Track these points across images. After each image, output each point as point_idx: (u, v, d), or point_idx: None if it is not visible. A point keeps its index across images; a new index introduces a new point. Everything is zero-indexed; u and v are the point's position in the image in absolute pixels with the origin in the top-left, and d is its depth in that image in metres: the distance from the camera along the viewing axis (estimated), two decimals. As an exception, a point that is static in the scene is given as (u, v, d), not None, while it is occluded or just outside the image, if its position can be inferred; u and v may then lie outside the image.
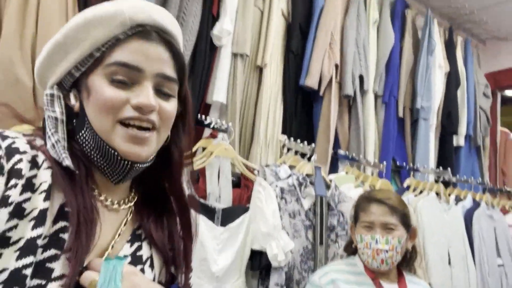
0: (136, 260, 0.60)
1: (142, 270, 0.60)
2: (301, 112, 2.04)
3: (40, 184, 0.51)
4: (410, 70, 2.49)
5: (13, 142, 0.51)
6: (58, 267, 0.50)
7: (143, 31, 0.56)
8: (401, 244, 1.19)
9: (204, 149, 1.41)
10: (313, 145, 1.69)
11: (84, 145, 0.56)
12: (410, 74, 2.50)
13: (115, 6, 0.56)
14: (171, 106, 0.58)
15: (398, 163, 2.40)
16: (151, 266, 0.62)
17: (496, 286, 2.09)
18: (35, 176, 0.51)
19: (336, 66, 2.07)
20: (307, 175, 1.61)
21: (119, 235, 0.59)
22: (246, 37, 1.76)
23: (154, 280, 0.62)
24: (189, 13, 1.60)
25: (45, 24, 1.35)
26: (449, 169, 2.30)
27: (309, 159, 1.68)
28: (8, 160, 0.49)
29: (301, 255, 1.48)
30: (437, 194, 2.13)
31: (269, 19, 1.87)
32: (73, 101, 0.57)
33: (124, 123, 0.54)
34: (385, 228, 1.19)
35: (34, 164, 0.52)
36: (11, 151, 0.50)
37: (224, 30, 1.68)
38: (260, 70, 1.86)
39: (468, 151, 2.81)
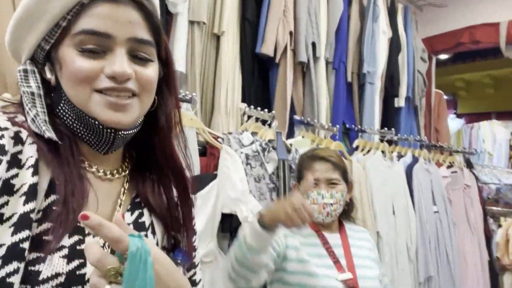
0: (139, 227, 0.60)
1: (146, 236, 0.60)
2: (257, 80, 2.09)
3: (27, 159, 0.51)
4: (357, 37, 2.62)
5: None
6: (53, 240, 0.49)
7: None
8: (343, 197, 1.28)
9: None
10: (273, 112, 1.76)
11: (65, 118, 0.55)
12: (357, 40, 2.62)
13: None
14: (149, 71, 0.56)
15: (347, 126, 2.56)
16: (153, 232, 0.62)
17: (432, 230, 2.38)
18: (20, 152, 0.51)
19: (291, 33, 2.12)
20: (269, 141, 1.69)
21: (120, 205, 0.59)
22: (202, 4, 1.74)
23: (157, 245, 0.61)
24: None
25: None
26: (393, 129, 2.50)
27: (269, 125, 1.75)
28: None
29: (266, 215, 1.58)
30: (383, 152, 2.33)
31: (223, -12, 1.85)
32: (48, 74, 0.56)
33: (100, 91, 0.53)
34: (329, 183, 1.26)
35: (17, 140, 0.51)
36: None
37: (179, -3, 1.65)
38: (217, 38, 1.86)
39: (407, 111, 3.06)
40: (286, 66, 2.08)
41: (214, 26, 1.83)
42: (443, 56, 3.84)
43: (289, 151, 1.73)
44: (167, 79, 0.61)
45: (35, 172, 0.50)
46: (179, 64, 1.68)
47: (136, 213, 0.61)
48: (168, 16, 1.69)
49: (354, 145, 2.41)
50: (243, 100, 1.92)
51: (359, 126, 2.53)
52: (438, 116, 3.59)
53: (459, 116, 7.52)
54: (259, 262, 1.08)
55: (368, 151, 2.30)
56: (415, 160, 2.55)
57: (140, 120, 0.59)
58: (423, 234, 2.32)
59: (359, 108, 2.64)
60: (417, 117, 3.16)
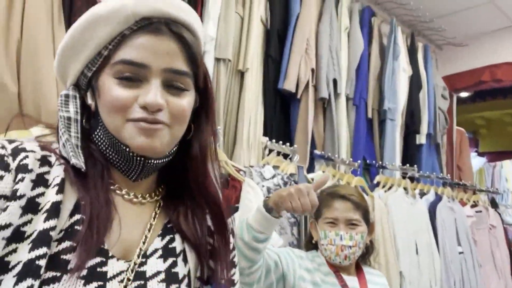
0: (168, 252, 0.59)
1: (175, 263, 0.58)
2: (279, 114, 2.13)
3: (53, 179, 0.52)
4: (377, 74, 2.66)
5: (21, 144, 0.52)
6: (73, 260, 0.49)
7: (149, 24, 0.54)
8: (363, 239, 1.21)
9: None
10: (295, 146, 1.78)
11: (99, 143, 0.57)
12: (377, 78, 2.66)
13: (120, 1, 0.55)
14: (183, 101, 0.56)
15: (368, 161, 2.55)
16: (185, 260, 0.60)
17: (457, 271, 2.29)
18: (47, 172, 0.52)
19: (312, 70, 2.17)
20: (291, 175, 1.70)
21: (149, 229, 0.58)
22: (228, 42, 1.82)
23: (189, 275, 0.60)
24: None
25: (30, 30, 1.34)
26: (415, 166, 2.48)
27: (290, 159, 1.77)
28: (14, 159, 0.50)
29: (287, 250, 1.56)
30: (405, 189, 2.30)
31: (249, 25, 1.94)
32: (89, 100, 0.58)
33: (132, 120, 0.54)
34: (349, 224, 1.19)
35: (44, 162, 0.53)
36: (17, 151, 0.51)
37: (207, 36, 1.73)
38: (241, 74, 1.92)
39: (429, 148, 3.03)
40: (307, 101, 2.12)
41: (239, 63, 1.90)
42: (464, 94, 3.83)
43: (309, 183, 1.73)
44: (205, 108, 0.62)
45: (60, 191, 0.51)
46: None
47: (167, 238, 0.60)
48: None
49: (375, 181, 2.39)
50: (265, 134, 1.95)
51: (380, 162, 2.52)
52: (460, 154, 3.54)
53: (480, 154, 7.36)
54: (256, 246, 1.01)
55: (390, 187, 2.28)
56: (438, 198, 2.50)
57: (173, 149, 0.59)
58: (448, 275, 2.24)
59: (380, 144, 2.64)
60: (439, 154, 3.12)
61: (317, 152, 2.24)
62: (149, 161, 0.56)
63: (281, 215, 1.03)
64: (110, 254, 0.53)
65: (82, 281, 0.49)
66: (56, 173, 0.52)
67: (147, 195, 0.61)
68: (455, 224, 2.48)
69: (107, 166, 0.57)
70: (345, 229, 1.18)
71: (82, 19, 0.56)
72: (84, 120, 0.58)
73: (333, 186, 1.36)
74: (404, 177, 2.60)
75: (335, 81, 2.30)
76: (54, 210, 0.50)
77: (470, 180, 3.49)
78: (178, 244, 0.61)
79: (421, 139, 2.92)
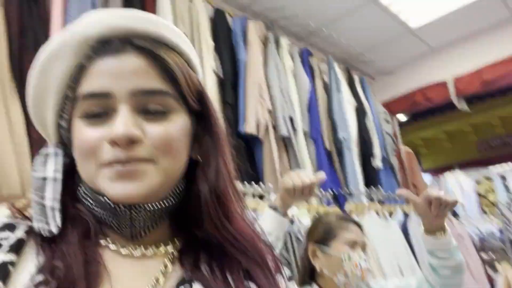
0: None
1: None
2: (244, 158, 2.15)
3: (8, 242, 0.45)
4: (326, 108, 2.82)
5: None
6: None
7: (107, 46, 0.46)
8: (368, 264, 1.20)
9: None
10: (269, 184, 1.79)
11: (85, 200, 0.49)
12: (327, 111, 2.82)
13: (69, 29, 0.47)
14: (168, 126, 0.46)
15: (335, 191, 2.63)
16: None
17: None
18: (6, 238, 0.45)
19: (269, 111, 2.25)
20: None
21: (155, 285, 0.47)
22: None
23: None
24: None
25: None
26: (380, 187, 2.59)
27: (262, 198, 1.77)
28: None
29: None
30: (376, 212, 2.38)
31: (204, 78, 1.99)
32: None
33: (106, 163, 0.45)
34: (363, 248, 1.19)
35: (5, 227, 0.46)
36: None
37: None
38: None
39: (385, 170, 3.20)
40: (270, 142, 2.17)
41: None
42: (402, 118, 4.18)
43: (292, 222, 1.73)
44: (208, 134, 0.51)
45: (12, 251, 0.44)
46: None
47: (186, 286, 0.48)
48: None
49: (347, 210, 2.46)
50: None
51: (346, 190, 2.60)
52: (412, 172, 3.77)
53: (425, 171, 7.89)
54: None
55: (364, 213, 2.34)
56: (406, 216, 2.61)
57: (176, 190, 0.49)
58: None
59: (342, 173, 2.74)
60: (395, 175, 3.30)
61: (287, 190, 2.27)
62: (135, 209, 0.46)
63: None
64: None
65: None
66: (13, 236, 0.45)
67: (154, 246, 0.50)
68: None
69: (97, 226, 0.48)
70: (362, 253, 1.16)
71: (36, 62, 0.49)
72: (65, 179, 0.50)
73: (338, 214, 1.35)
74: (372, 200, 2.71)
75: (291, 119, 2.39)
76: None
77: (427, 195, 3.70)
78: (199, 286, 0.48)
79: (377, 162, 3.09)
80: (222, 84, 2.14)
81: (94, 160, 0.45)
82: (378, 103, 3.53)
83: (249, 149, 2.23)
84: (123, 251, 0.48)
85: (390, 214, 2.65)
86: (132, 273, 0.47)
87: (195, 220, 0.51)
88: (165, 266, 0.49)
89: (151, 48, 0.46)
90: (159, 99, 0.46)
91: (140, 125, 0.45)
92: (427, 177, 7.23)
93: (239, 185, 0.54)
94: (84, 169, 0.47)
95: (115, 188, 0.44)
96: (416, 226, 2.55)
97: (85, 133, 0.45)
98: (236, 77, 2.23)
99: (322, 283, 1.18)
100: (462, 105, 3.44)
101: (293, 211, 2.00)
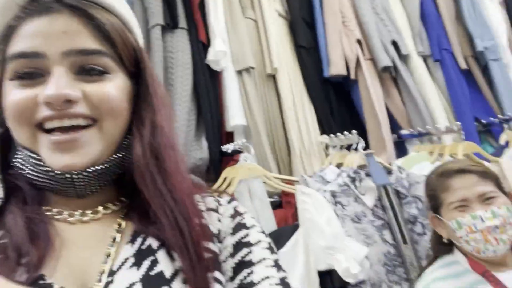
0: (142, 254, 0.45)
1: (155, 261, 0.45)
2: (338, 106, 1.82)
3: None
4: (454, 16, 2.15)
5: None
6: None
7: (37, 5, 0.45)
8: (511, 213, 0.95)
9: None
10: (353, 131, 1.45)
11: (24, 167, 0.48)
12: (455, 20, 2.14)
13: None
14: (107, 86, 0.45)
15: (483, 121, 1.99)
16: (169, 255, 0.46)
17: None
18: None
19: (359, 41, 1.84)
20: (360, 167, 1.36)
21: (112, 244, 0.46)
22: (244, 51, 1.66)
23: (177, 269, 0.45)
24: (176, 49, 1.56)
25: None
26: None
27: (356, 149, 1.43)
28: None
29: (384, 264, 1.20)
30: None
31: (265, 25, 1.76)
32: None
33: (45, 130, 0.44)
34: (484, 199, 0.96)
35: None
36: None
37: (218, 52, 1.60)
38: (273, 78, 1.71)
39: None
40: (365, 79, 1.77)
41: (266, 67, 1.70)
42: None
43: (389, 172, 1.36)
44: (144, 97, 0.49)
45: None
46: (237, 117, 1.56)
47: (139, 240, 0.47)
48: (215, 75, 1.64)
49: (502, 141, 1.82)
50: (323, 132, 1.66)
51: (501, 116, 1.93)
52: None
53: None
54: None
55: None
56: None
57: (118, 154, 0.48)
58: None
59: (494, 94, 2.05)
60: None
61: (403, 131, 1.83)
62: (77, 177, 0.45)
63: None
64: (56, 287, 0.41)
65: None
66: None
67: (102, 208, 0.49)
68: None
69: (39, 194, 0.47)
70: (481, 207, 0.95)
71: None
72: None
73: (443, 165, 1.11)
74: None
75: (395, 43, 1.91)
76: None
77: None
78: (153, 241, 0.47)
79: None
80: (292, 26, 1.85)
81: (29, 123, 0.44)
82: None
83: (345, 94, 1.87)
84: (72, 219, 0.47)
85: None
86: (85, 237, 0.47)
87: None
88: (119, 225, 0.48)
89: (84, 8, 0.45)
90: (96, 59, 0.45)
91: (78, 86, 0.44)
92: None
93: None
94: (20, 134, 0.46)
95: (53, 159, 0.44)
96: None
97: (17, 95, 0.44)
98: (311, 14, 1.90)
99: (460, 251, 1.01)
100: None
101: (403, 159, 1.59)
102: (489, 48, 2.05)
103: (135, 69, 0.49)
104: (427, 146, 1.70)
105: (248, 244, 0.49)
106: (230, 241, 0.50)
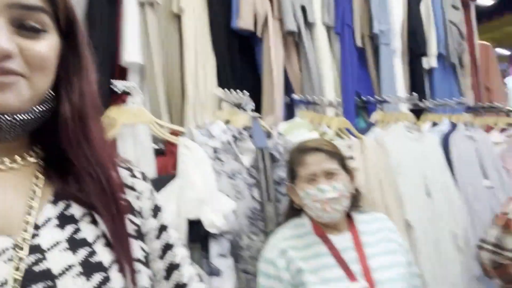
0: (65, 220, 0.48)
1: (77, 229, 0.48)
2: (241, 61, 1.85)
3: None
4: (363, -7, 2.27)
5: None
6: None
7: None
8: (347, 188, 1.12)
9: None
10: (245, 92, 1.52)
11: None
12: (364, -2, 2.27)
13: None
14: (41, 45, 0.46)
15: (363, 98, 2.23)
16: (94, 222, 0.49)
17: (485, 210, 1.97)
18: None
19: (271, 0, 1.85)
20: (245, 128, 1.45)
21: (32, 197, 0.48)
22: (151, -18, 1.54)
23: (98, 234, 0.49)
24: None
25: None
26: (413, 93, 2.13)
27: (244, 109, 1.51)
28: None
29: (248, 217, 1.35)
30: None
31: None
32: None
33: None
34: (328, 175, 1.11)
35: None
36: None
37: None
38: (178, 18, 1.65)
39: (443, 71, 2.63)
40: (269, 38, 1.82)
41: (172, 4, 1.62)
42: (484, 0, 3.28)
43: (269, 136, 1.48)
44: (73, 55, 0.51)
45: None
46: (134, 54, 1.49)
47: (62, 204, 0.50)
48: (114, 3, 1.51)
49: (373, 120, 2.09)
50: (221, 85, 1.69)
51: (378, 97, 2.18)
52: (487, 73, 3.08)
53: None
54: None
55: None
56: (453, 127, 2.15)
57: (41, 107, 0.49)
58: (473, 216, 1.93)
59: (377, 76, 2.29)
60: (457, 77, 2.70)
61: (295, 96, 1.96)
62: (4, 117, 0.45)
63: None
64: None
65: None
66: None
67: (19, 158, 0.50)
68: (477, 154, 2.13)
69: None
70: (325, 181, 1.10)
71: None
72: None
73: (302, 142, 1.23)
74: (412, 110, 2.27)
75: (303, 9, 1.96)
76: None
77: (503, 101, 3.04)
78: (76, 210, 0.50)
79: (431, 62, 2.53)
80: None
81: None
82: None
83: (250, 49, 1.90)
84: None
85: (436, 125, 2.22)
86: (3, 185, 0.47)
87: (54, 139, 0.52)
88: (37, 178, 0.50)
89: None
90: (36, 16, 0.46)
91: (16, 40, 0.45)
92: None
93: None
94: None
95: None
96: (462, 140, 2.09)
97: None
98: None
99: (306, 215, 1.17)
100: None
101: (287, 123, 1.73)
102: (383, 31, 2.24)
103: (67, 28, 0.50)
104: (310, 114, 1.86)
105: (166, 227, 0.58)
106: (153, 223, 0.56)
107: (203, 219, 1.18)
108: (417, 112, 2.38)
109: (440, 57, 2.57)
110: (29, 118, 0.48)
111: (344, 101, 2.12)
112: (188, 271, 0.58)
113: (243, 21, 1.78)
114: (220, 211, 1.21)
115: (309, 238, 1.13)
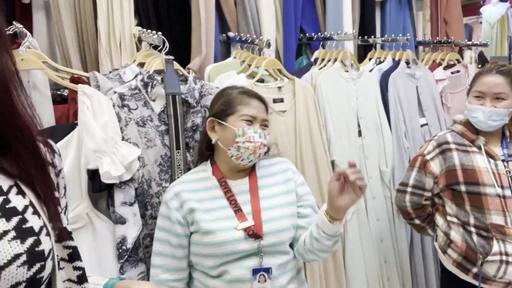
0: None
1: (6, 200, 0.49)
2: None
3: None
4: None
5: None
6: None
7: None
8: (268, 139, 1.15)
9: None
10: (159, 33, 1.37)
11: None
12: None
13: None
14: None
15: (307, 35, 2.08)
16: (21, 193, 0.51)
17: (417, 147, 1.94)
18: None
19: None
20: (157, 72, 1.33)
21: None
22: None
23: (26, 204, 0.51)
24: None
25: None
26: (351, 29, 2.00)
27: (160, 50, 1.37)
28: None
29: (159, 165, 1.29)
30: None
31: None
32: None
33: None
34: (262, 124, 1.14)
35: None
36: None
37: None
38: None
39: (398, 4, 2.43)
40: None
41: None
42: None
43: (185, 80, 1.37)
44: None
45: None
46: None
47: None
48: None
49: (313, 58, 1.96)
50: (141, 25, 1.53)
51: (320, 34, 2.03)
52: (447, 4, 2.87)
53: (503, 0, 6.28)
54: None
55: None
56: (395, 65, 2.04)
57: None
58: (401, 154, 1.91)
59: (323, 12, 2.11)
60: (411, 9, 2.52)
61: (230, 34, 1.81)
62: None
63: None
64: None
65: None
66: None
67: None
68: (416, 92, 2.06)
69: None
70: (260, 128, 1.13)
71: None
72: None
73: (245, 88, 1.22)
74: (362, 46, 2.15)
75: None
76: None
77: (460, 35, 2.89)
78: (4, 182, 0.51)
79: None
80: None
81: None
82: None
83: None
84: None
85: (381, 62, 2.10)
86: None
87: None
88: None
89: None
90: None
91: None
92: (502, 6, 5.76)
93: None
94: None
95: None
96: (401, 78, 2.00)
97: None
98: None
99: (217, 158, 1.16)
100: None
101: (216, 65, 1.61)
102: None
103: None
104: (244, 53, 1.73)
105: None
106: (64, 201, 0.61)
107: (100, 170, 1.12)
108: (367, 48, 2.26)
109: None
110: None
111: (285, 38, 1.97)
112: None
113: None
114: (120, 161, 1.15)
115: (208, 182, 1.12)
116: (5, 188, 0.50)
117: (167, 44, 1.37)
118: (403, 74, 2.00)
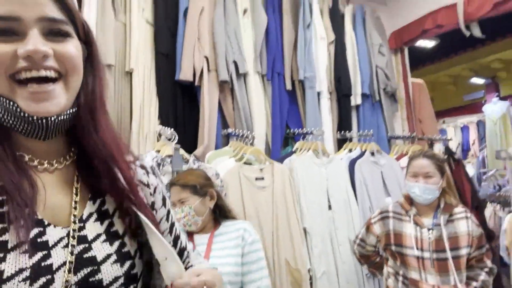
0: (102, 215, 0.57)
1: (111, 223, 0.57)
2: (185, 104, 2.28)
3: None
4: (292, 45, 2.68)
5: None
6: (12, 238, 0.47)
7: None
8: (192, 208, 1.41)
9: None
10: (170, 129, 1.94)
11: None
12: (293, 49, 2.68)
13: None
14: (69, 46, 0.53)
15: (291, 130, 2.62)
16: (122, 216, 0.58)
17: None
18: None
19: (206, 57, 2.29)
20: (168, 156, 1.87)
21: (76, 193, 0.56)
22: (108, 49, 2.01)
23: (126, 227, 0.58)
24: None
25: None
26: (329, 126, 2.52)
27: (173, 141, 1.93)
28: None
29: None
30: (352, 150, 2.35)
31: (131, 29, 2.11)
32: None
33: (21, 81, 0.50)
34: (180, 202, 1.43)
35: None
36: None
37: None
38: (130, 75, 2.11)
39: (371, 108, 2.98)
40: (204, 87, 2.25)
41: (126, 65, 2.09)
42: (420, 42, 3.64)
43: (186, 162, 1.89)
44: (90, 58, 0.58)
45: None
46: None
47: (98, 201, 0.58)
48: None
49: (294, 148, 2.47)
50: (163, 124, 2.12)
51: (301, 130, 2.56)
52: (420, 107, 3.41)
53: (503, 98, 6.80)
54: None
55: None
56: (362, 154, 2.51)
57: (73, 108, 0.55)
58: (368, 227, 2.26)
59: (304, 112, 2.68)
60: (383, 112, 3.06)
61: (229, 130, 2.37)
62: (51, 119, 0.52)
63: None
64: (46, 223, 0.52)
65: (27, 255, 0.48)
66: None
67: (61, 158, 0.58)
68: (382, 177, 2.47)
69: (8, 136, 0.53)
70: (178, 206, 1.43)
71: None
72: None
73: (175, 176, 1.57)
74: (345, 140, 2.65)
75: (235, 63, 2.39)
76: None
77: (434, 131, 3.36)
78: (109, 206, 0.58)
79: (357, 100, 2.90)
80: (156, 34, 2.23)
81: (4, 73, 0.50)
82: (375, 33, 3.15)
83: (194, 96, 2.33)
84: (40, 166, 0.55)
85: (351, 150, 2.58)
86: (53, 183, 0.55)
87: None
88: (76, 176, 0.58)
89: None
90: (61, 26, 0.53)
91: (49, 45, 0.51)
92: (503, 105, 6.24)
93: None
94: None
95: (32, 107, 0.50)
96: (367, 164, 2.44)
97: None
98: (176, 25, 2.28)
99: None
100: (475, 31, 2.88)
101: (213, 152, 2.13)
102: (308, 78, 2.64)
103: (85, 38, 0.58)
104: (238, 144, 2.27)
105: (170, 210, 0.66)
106: (163, 211, 0.64)
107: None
108: (344, 141, 2.76)
109: (364, 96, 2.94)
110: (65, 118, 0.53)
111: (273, 133, 2.52)
112: (185, 240, 0.69)
113: (183, 74, 2.22)
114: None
115: None
116: (110, 211, 0.56)
117: (176, 136, 1.93)
118: (368, 161, 2.45)
